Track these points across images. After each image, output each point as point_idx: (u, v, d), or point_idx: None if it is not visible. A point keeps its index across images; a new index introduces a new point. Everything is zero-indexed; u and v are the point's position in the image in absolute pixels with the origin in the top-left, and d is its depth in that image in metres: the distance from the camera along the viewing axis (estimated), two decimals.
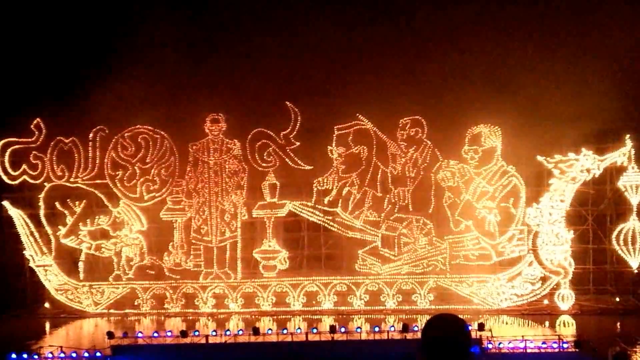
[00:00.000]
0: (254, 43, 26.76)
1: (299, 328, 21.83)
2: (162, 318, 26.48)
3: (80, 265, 27.38)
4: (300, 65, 25.71)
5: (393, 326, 21.05)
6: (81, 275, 27.34)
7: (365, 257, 25.96)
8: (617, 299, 25.66)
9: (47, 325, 26.39)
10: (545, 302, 25.31)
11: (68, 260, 27.60)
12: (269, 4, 26.97)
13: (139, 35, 25.99)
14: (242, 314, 26.32)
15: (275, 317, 25.82)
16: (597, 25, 24.00)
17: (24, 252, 27.57)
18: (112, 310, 27.15)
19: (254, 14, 27.11)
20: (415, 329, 19.62)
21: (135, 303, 27.05)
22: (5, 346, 19.92)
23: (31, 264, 27.58)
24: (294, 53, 25.84)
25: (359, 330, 20.86)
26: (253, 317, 26.03)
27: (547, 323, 23.75)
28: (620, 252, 24.72)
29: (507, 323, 24.14)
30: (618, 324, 23.25)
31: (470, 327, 16.04)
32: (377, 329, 21.06)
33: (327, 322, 24.33)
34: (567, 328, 23.25)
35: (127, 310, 27.12)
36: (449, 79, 24.85)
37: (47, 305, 28.07)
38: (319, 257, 27.19)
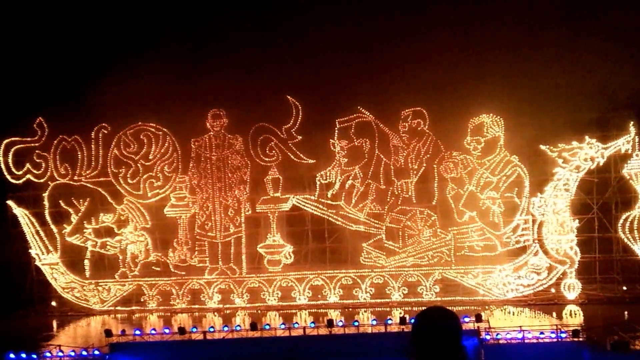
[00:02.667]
0: (254, 38, 26.70)
1: (296, 323, 21.80)
2: (169, 314, 26.55)
3: (86, 263, 27.46)
4: (301, 59, 25.65)
5: (391, 318, 20.99)
6: (87, 273, 27.42)
7: (369, 250, 25.89)
8: (624, 288, 25.50)
9: (55, 324, 26.53)
10: (552, 291, 25.18)
11: (75, 258, 27.72)
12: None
13: (139, 33, 26.03)
14: (248, 309, 26.34)
15: (281, 311, 25.83)
16: (599, 13, 23.84)
17: (29, 250, 27.70)
18: (118, 308, 27.23)
19: (255, 9, 27.05)
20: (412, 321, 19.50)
21: (142, 300, 27.11)
22: (10, 345, 19.99)
23: (37, 263, 27.72)
24: (294, 47, 25.77)
25: (356, 324, 20.86)
26: (259, 312, 26.06)
27: (554, 313, 23.62)
28: (626, 240, 24.54)
29: (513, 314, 24.06)
30: (626, 312, 23.07)
31: (469, 319, 15.96)
32: (374, 322, 21.08)
33: (333, 315, 24.36)
34: (574, 318, 23.16)
35: (133, 307, 27.19)
36: (450, 70, 24.67)
37: (53, 303, 28.19)
38: (324, 250, 27.18)
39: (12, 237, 28.06)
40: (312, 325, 21.12)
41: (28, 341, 21.70)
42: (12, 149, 27.26)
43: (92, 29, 26.72)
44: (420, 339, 4.77)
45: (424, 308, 5.05)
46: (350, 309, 25.37)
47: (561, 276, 24.76)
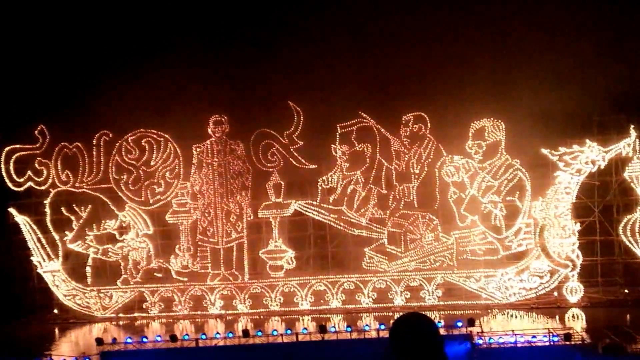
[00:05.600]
0: (255, 44, 26.76)
1: (289, 329, 21.80)
2: (171, 321, 26.50)
3: (88, 270, 27.40)
4: (302, 65, 25.71)
5: (384, 324, 20.92)
6: (89, 280, 27.37)
7: (371, 254, 25.90)
8: (626, 291, 25.53)
9: (56, 331, 26.49)
10: (555, 294, 25.19)
11: (77, 265, 27.67)
12: (270, 5, 26.98)
13: (141, 40, 26.07)
14: (251, 315, 26.31)
15: (283, 317, 25.79)
16: (598, 17, 23.94)
17: (31, 258, 27.63)
18: (120, 315, 27.18)
19: (255, 16, 27.12)
20: None
21: (144, 306, 27.06)
22: (7, 353, 19.95)
23: (39, 270, 27.65)
24: (295, 52, 25.81)
25: (349, 329, 20.85)
26: (261, 317, 26.03)
27: (557, 317, 23.63)
28: (627, 243, 24.59)
29: (515, 317, 24.08)
30: (628, 315, 23.12)
31: (462, 324, 15.90)
32: (367, 327, 21.07)
33: (335, 320, 24.39)
34: (576, 321, 23.20)
35: (135, 314, 27.14)
36: (451, 74, 24.75)
37: (55, 311, 28.13)
38: (326, 255, 27.11)
39: (14, 244, 28.00)
40: (305, 331, 21.09)
41: (25, 349, 21.61)
42: (14, 157, 27.21)
43: (94, 37, 26.73)
44: (397, 345, 4.83)
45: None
46: (353, 314, 25.35)
47: (563, 279, 24.78)
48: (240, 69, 26.32)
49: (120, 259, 27.15)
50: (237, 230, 26.63)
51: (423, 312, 5.24)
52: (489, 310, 24.66)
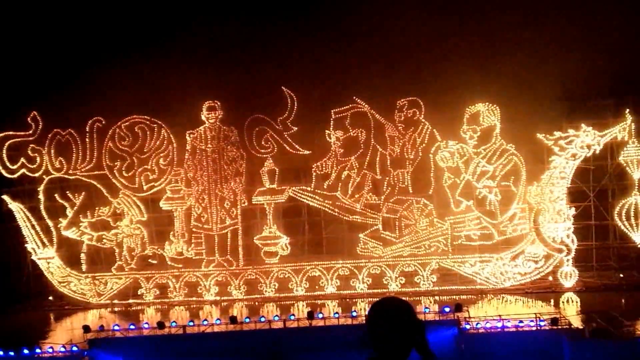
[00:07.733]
0: (248, 29, 26.56)
1: (277, 315, 21.76)
2: (166, 307, 26.49)
3: (83, 256, 27.36)
4: (296, 50, 25.55)
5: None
6: (83, 267, 27.34)
7: (366, 240, 25.86)
8: (621, 275, 25.53)
9: (52, 317, 26.50)
10: (550, 279, 25.18)
11: (71, 252, 27.63)
12: None
13: (134, 25, 25.87)
14: (246, 301, 26.30)
15: (278, 303, 25.79)
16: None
17: (25, 245, 27.59)
18: (115, 301, 27.17)
19: (248, 1, 26.92)
20: None
21: (139, 293, 27.04)
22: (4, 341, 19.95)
23: (33, 257, 27.63)
24: (289, 38, 25.64)
25: (336, 315, 20.81)
26: (256, 303, 26.03)
27: (552, 301, 23.63)
28: (622, 227, 24.58)
29: (510, 302, 24.08)
30: (623, 300, 23.14)
31: (449, 309, 15.84)
32: (354, 314, 21.06)
33: (330, 306, 24.38)
34: (571, 305, 23.21)
35: (130, 301, 27.13)
36: (445, 59, 24.58)
37: (50, 297, 28.13)
38: (320, 241, 27.07)
39: (8, 231, 27.93)
40: (292, 317, 21.06)
41: (17, 337, 21.58)
42: (6, 143, 27.08)
43: (86, 22, 26.55)
44: (373, 330, 4.78)
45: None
46: (348, 300, 25.34)
47: (558, 264, 24.76)
48: (233, 55, 26.11)
49: (115, 245, 27.11)
50: (232, 217, 26.57)
51: (399, 296, 5.13)
52: (484, 295, 24.66)
